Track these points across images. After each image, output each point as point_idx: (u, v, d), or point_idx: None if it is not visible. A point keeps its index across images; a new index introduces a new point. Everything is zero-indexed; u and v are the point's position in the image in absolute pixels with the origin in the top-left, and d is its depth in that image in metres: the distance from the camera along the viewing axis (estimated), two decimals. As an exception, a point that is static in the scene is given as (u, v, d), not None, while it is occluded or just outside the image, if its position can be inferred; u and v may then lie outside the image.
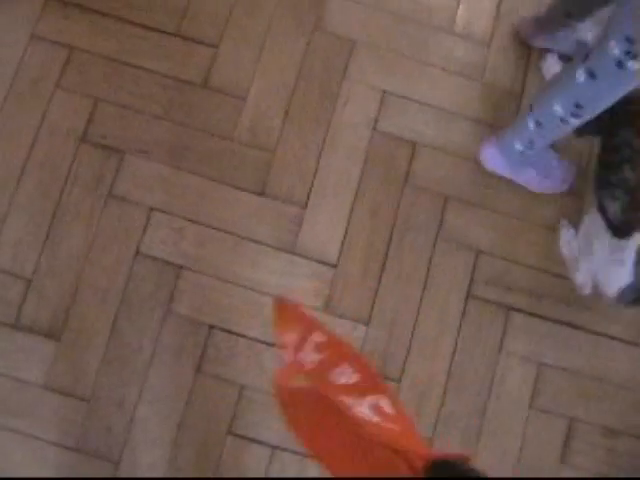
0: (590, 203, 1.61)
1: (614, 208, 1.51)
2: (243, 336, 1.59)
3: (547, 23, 1.72)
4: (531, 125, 1.52)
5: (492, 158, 1.69)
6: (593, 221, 1.57)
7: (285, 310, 1.30)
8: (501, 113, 1.75)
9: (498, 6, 1.83)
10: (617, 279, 1.54)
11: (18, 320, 1.58)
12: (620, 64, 1.25)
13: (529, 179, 1.71)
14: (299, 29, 1.77)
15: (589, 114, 1.42)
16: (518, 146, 1.61)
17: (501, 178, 1.71)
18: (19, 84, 1.69)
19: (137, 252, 1.62)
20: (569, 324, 1.65)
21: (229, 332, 1.60)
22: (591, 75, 1.32)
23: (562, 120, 1.44)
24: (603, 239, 1.54)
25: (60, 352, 1.57)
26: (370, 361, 1.06)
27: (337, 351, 1.07)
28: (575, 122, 1.44)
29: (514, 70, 1.79)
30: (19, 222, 1.62)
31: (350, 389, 1.01)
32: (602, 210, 1.54)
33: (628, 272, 1.51)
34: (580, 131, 1.58)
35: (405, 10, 1.80)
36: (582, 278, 1.63)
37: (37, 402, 1.54)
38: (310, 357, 1.07)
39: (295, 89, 1.73)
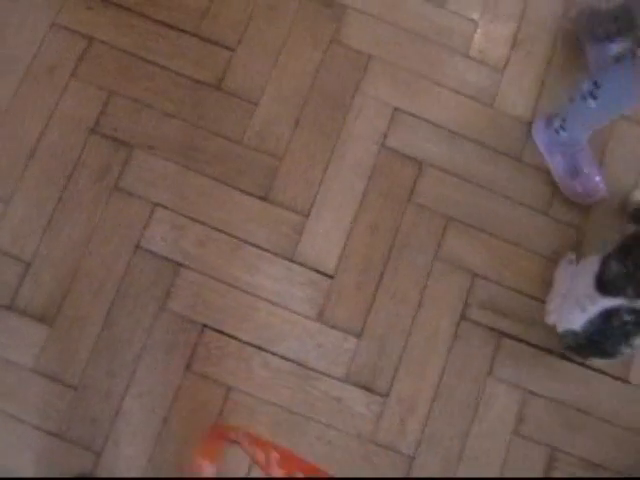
0: (598, 249, 1.61)
1: (615, 269, 1.52)
2: (234, 338, 1.60)
3: (597, 22, 1.76)
4: (569, 99, 1.60)
5: (537, 130, 1.75)
6: (590, 265, 1.58)
7: (219, 435, 1.34)
8: (509, 140, 1.77)
9: (515, 34, 1.85)
10: (571, 321, 1.56)
11: (13, 302, 1.58)
12: (632, 52, 1.30)
13: (557, 166, 1.74)
14: (316, 40, 1.78)
15: (602, 100, 1.49)
16: (556, 123, 1.68)
17: (504, 203, 1.74)
18: (35, 70, 1.71)
19: (137, 246, 1.63)
20: (558, 354, 1.65)
21: (221, 333, 1.60)
22: (617, 59, 1.38)
23: (582, 97, 1.52)
24: (586, 284, 1.55)
25: (52, 337, 1.57)
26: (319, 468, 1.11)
27: (294, 464, 1.12)
28: (592, 104, 1.50)
29: (525, 98, 1.80)
30: (23, 205, 1.63)
31: None
32: (604, 262, 1.55)
33: (581, 321, 1.53)
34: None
35: (423, 30, 1.81)
36: (551, 307, 1.64)
37: (24, 385, 1.55)
38: (276, 471, 1.12)
39: (307, 98, 1.75)
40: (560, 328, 1.60)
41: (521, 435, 1.62)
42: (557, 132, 1.68)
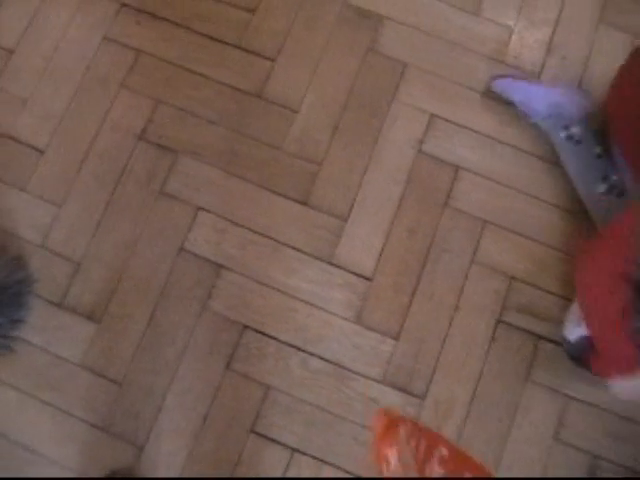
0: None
1: None
2: (274, 339, 1.64)
3: None
4: None
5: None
6: None
7: (390, 423, 1.36)
8: (544, 143, 1.76)
9: (550, 39, 1.86)
10: (567, 328, 1.55)
11: (64, 300, 1.66)
12: None
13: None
14: (353, 49, 1.83)
15: None
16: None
17: (540, 206, 1.73)
18: (88, 81, 1.81)
19: (181, 248, 1.69)
20: (597, 358, 1.64)
21: (261, 333, 1.64)
22: None
23: None
24: None
25: (99, 335, 1.64)
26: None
27: (460, 463, 1.11)
28: None
29: (561, 102, 1.81)
30: (75, 208, 1.72)
31: None
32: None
33: (575, 335, 1.52)
34: None
35: (458, 38, 1.84)
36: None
37: (72, 379, 1.61)
38: (435, 470, 1.11)
39: (345, 106, 1.79)
40: (563, 332, 1.58)
41: (561, 441, 1.60)
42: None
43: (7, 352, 1.61)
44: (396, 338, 1.65)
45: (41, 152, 1.76)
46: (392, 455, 1.35)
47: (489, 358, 1.64)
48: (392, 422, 1.39)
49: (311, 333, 1.65)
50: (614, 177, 1.66)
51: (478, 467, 1.08)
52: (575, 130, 1.68)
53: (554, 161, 1.76)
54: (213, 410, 1.60)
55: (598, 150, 1.68)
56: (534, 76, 1.84)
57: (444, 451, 1.11)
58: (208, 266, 1.68)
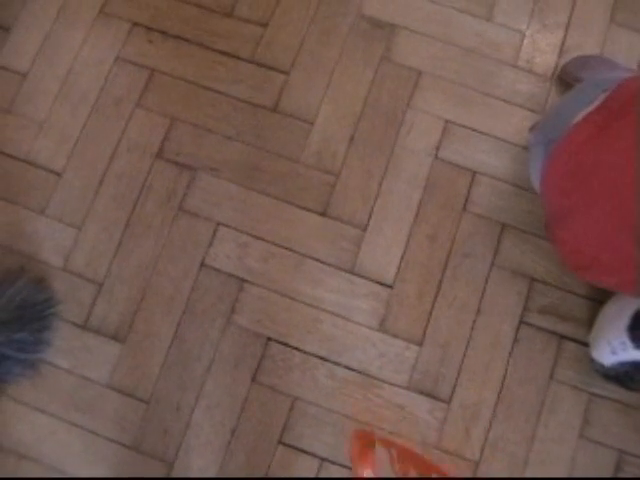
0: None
1: None
2: (299, 350, 1.65)
3: None
4: None
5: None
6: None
7: (365, 444, 1.39)
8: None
9: (562, 42, 1.87)
10: (601, 354, 1.54)
11: (88, 321, 1.66)
12: None
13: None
14: (367, 59, 1.84)
15: None
16: None
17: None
18: (103, 101, 1.81)
19: (203, 264, 1.70)
20: (621, 356, 1.65)
21: (286, 345, 1.65)
22: None
23: None
24: (620, 323, 1.51)
25: (124, 354, 1.64)
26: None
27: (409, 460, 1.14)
28: None
29: (575, 105, 1.81)
30: (95, 229, 1.72)
31: None
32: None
33: (611, 360, 1.52)
34: None
35: (471, 44, 1.85)
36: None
37: (99, 400, 1.62)
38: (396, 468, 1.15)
39: (361, 116, 1.80)
40: (592, 353, 1.59)
41: (588, 438, 1.61)
42: None
43: (33, 373, 1.62)
44: (420, 344, 1.66)
45: (59, 175, 1.76)
46: (368, 476, 1.38)
47: (513, 360, 1.66)
48: (367, 444, 1.43)
49: (336, 343, 1.66)
50: None
51: (426, 464, 1.12)
52: None
53: (570, 163, 1.77)
54: (241, 423, 1.61)
55: None
56: (546, 80, 1.84)
57: (394, 451, 1.14)
58: (231, 281, 1.69)
